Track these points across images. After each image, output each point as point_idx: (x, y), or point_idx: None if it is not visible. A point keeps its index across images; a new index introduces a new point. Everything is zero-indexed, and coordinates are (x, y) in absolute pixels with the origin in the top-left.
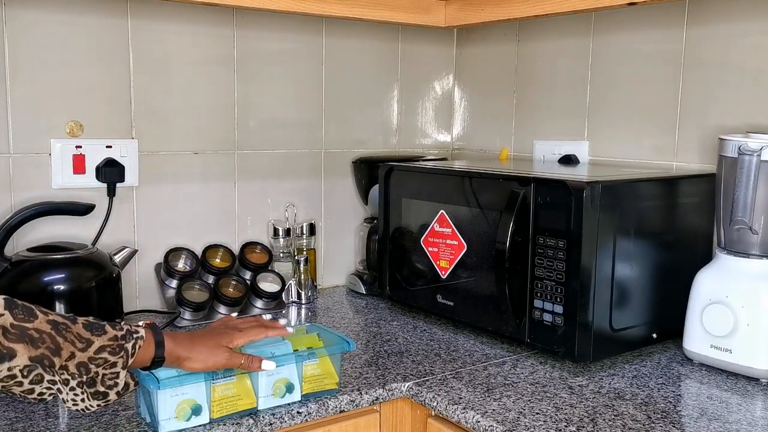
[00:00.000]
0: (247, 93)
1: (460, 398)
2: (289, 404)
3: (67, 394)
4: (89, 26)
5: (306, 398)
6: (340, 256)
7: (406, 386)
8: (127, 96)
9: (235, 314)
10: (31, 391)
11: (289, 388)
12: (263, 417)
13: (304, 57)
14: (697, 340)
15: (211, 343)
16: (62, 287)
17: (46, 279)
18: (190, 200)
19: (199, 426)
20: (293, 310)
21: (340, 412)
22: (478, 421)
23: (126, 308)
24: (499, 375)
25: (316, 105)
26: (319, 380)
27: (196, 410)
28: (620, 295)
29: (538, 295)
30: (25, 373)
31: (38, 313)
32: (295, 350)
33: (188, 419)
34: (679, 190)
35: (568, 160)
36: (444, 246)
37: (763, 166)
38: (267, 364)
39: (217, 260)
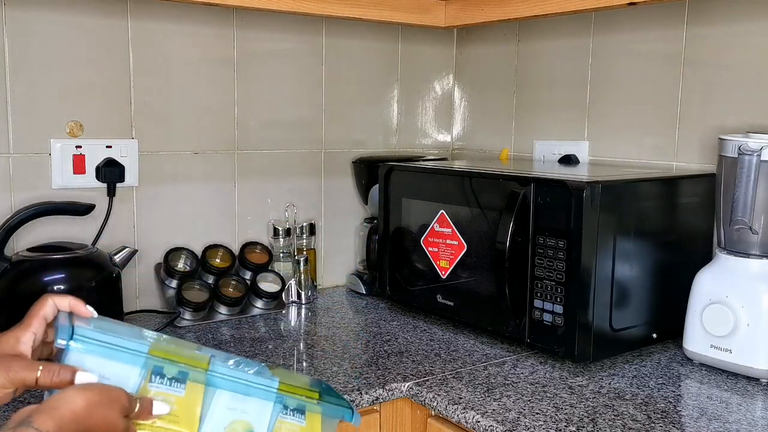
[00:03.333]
0: (247, 93)
1: (460, 398)
2: None
3: None
4: (89, 26)
5: None
6: (340, 256)
7: (406, 386)
8: (127, 96)
9: None
10: None
11: None
12: None
13: (304, 57)
14: (697, 340)
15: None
16: (62, 287)
17: (46, 279)
18: (190, 200)
19: None
20: (293, 310)
21: None
22: (478, 421)
23: (126, 308)
24: (499, 375)
25: (316, 105)
26: None
27: None
28: (620, 295)
29: (538, 295)
30: None
31: None
32: (281, 391)
33: None
34: (679, 190)
35: (568, 160)
36: (444, 246)
37: (763, 166)
38: (83, 376)
39: (217, 260)
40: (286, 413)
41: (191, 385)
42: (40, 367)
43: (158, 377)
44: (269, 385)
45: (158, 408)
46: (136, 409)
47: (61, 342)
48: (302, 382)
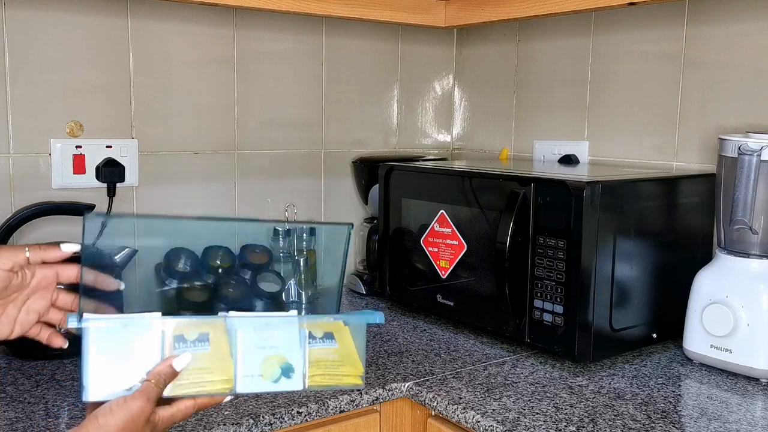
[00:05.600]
0: (247, 93)
1: (460, 398)
2: (286, 394)
3: None
4: (89, 26)
5: (312, 391)
6: (341, 256)
7: (406, 386)
8: (127, 96)
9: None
10: None
11: (286, 371)
12: (263, 417)
13: (304, 57)
14: (697, 340)
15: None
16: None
17: None
18: (190, 200)
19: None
20: (293, 310)
21: (340, 412)
22: (478, 421)
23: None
24: (499, 375)
25: (316, 105)
26: (334, 368)
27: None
28: (620, 295)
29: (538, 295)
30: None
31: None
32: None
33: (130, 389)
34: (679, 190)
35: (568, 160)
36: (444, 246)
37: (763, 166)
38: (68, 246)
39: (217, 260)
40: (316, 341)
41: (215, 337)
42: (26, 248)
43: (181, 343)
44: (288, 315)
45: (180, 363)
46: (162, 386)
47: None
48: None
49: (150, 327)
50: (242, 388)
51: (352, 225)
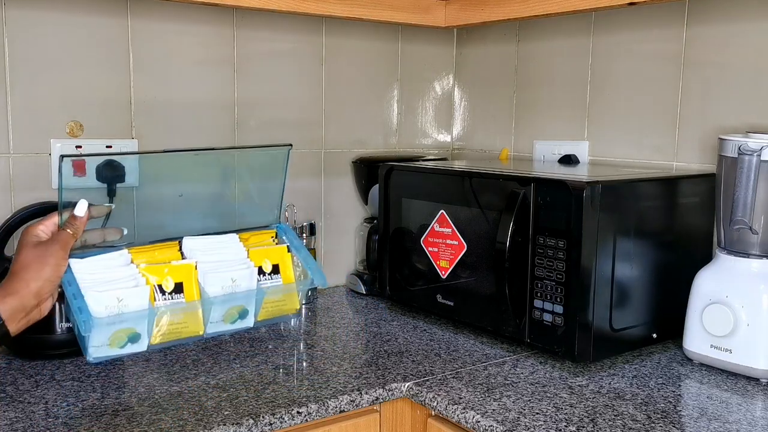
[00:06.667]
0: (247, 93)
1: (460, 398)
2: (241, 330)
3: None
4: (89, 26)
5: (260, 325)
6: (340, 256)
7: (406, 386)
8: (127, 96)
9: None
10: None
11: (242, 315)
12: (263, 417)
13: (304, 57)
14: (697, 340)
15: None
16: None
17: None
18: (190, 200)
19: (137, 353)
20: None
21: (340, 412)
22: (478, 421)
23: None
24: (499, 375)
25: (316, 105)
26: (278, 306)
27: (133, 338)
28: (620, 295)
29: (538, 295)
30: None
31: None
32: (257, 266)
33: (123, 346)
34: (679, 190)
35: (568, 160)
36: (444, 246)
37: (763, 166)
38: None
39: None
40: (266, 277)
41: (188, 286)
42: (68, 230)
43: (161, 293)
44: (250, 281)
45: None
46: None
47: None
48: (269, 237)
49: (142, 306)
50: (208, 331)
51: (291, 145)
